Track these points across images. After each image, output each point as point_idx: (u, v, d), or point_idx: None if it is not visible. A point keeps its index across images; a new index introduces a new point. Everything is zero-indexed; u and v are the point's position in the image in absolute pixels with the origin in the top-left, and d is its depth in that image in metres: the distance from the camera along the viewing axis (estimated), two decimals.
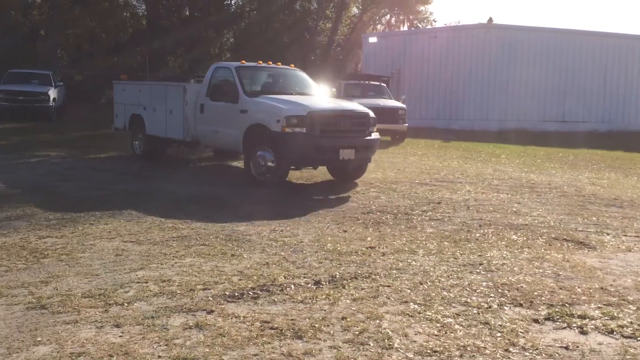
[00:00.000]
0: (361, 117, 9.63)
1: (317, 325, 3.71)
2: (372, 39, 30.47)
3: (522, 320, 3.93)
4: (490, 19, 25.87)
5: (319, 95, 10.71)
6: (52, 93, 21.01)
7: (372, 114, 9.78)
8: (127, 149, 13.06)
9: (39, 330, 3.53)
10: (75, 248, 5.39)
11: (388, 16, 47.38)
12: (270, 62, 11.33)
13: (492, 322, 3.86)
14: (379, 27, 48.16)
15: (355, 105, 10.33)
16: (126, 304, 3.99)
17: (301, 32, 36.56)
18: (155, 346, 3.36)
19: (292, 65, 11.83)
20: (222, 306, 4.01)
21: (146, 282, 4.46)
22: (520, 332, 3.74)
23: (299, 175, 10.56)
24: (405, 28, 44.42)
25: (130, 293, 4.22)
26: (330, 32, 36.06)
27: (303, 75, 11.34)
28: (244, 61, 11.01)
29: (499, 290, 4.51)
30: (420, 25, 44.19)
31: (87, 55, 34.91)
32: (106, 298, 4.09)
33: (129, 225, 6.34)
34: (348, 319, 3.82)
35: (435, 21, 46.80)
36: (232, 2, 39.29)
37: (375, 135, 9.77)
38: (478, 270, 5.03)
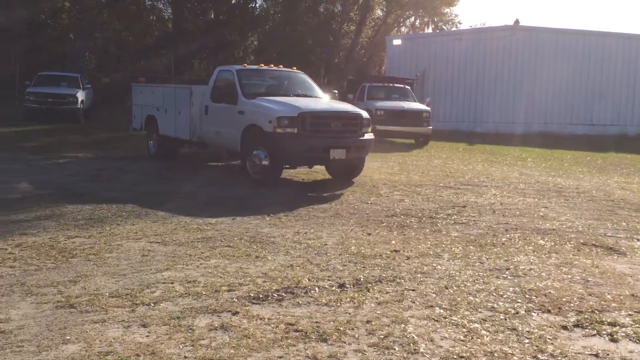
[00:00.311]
0: (353, 118, 9.81)
1: (341, 329, 3.69)
2: (396, 42, 30.34)
3: (550, 327, 3.86)
4: (517, 21, 25.58)
5: (316, 97, 10.89)
6: (80, 95, 21.38)
7: (365, 115, 9.94)
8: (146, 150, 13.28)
9: (68, 329, 3.58)
10: (103, 248, 5.46)
11: (412, 18, 47.12)
12: (272, 65, 11.65)
13: (520, 328, 3.80)
14: (403, 29, 47.95)
15: (347, 107, 10.54)
16: (152, 304, 4.03)
17: (325, 35, 36.60)
18: (181, 346, 3.38)
19: (294, 68, 12.13)
20: (247, 308, 4.02)
21: (172, 283, 4.49)
22: (549, 338, 3.68)
23: (317, 175, 10.56)
24: (430, 30, 44.15)
25: (156, 293, 4.26)
26: (354, 35, 36.04)
27: (304, 77, 11.58)
28: (246, 64, 11.43)
29: (527, 296, 4.44)
30: (445, 28, 43.87)
31: (115, 58, 35.49)
32: (133, 298, 4.14)
33: (154, 226, 6.41)
34: (373, 323, 3.80)
35: (460, 23, 46.43)
36: (257, 5, 39.57)
37: (368, 136, 9.94)
38: (505, 275, 4.96)
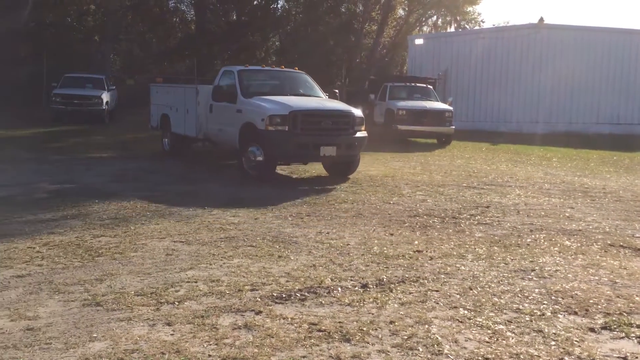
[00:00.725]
0: (343, 117, 10.11)
1: (365, 329, 3.68)
2: (418, 41, 30.15)
3: (577, 329, 3.80)
4: (542, 19, 25.19)
5: (315, 96, 11.22)
6: (105, 97, 21.70)
7: (357, 113, 10.22)
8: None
9: (94, 327, 3.64)
10: (128, 247, 5.53)
11: (434, 17, 46.81)
12: (274, 65, 12.29)
13: (546, 330, 3.75)
14: (425, 28, 47.63)
15: (339, 105, 10.69)
16: (177, 303, 4.07)
17: (346, 35, 36.54)
18: (205, 345, 3.41)
19: (296, 68, 12.68)
20: (270, 307, 4.04)
21: (196, 282, 4.53)
22: (576, 341, 3.62)
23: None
24: (452, 29, 43.78)
25: (180, 292, 4.30)
26: (376, 34, 35.88)
27: (304, 77, 11.94)
28: (248, 64, 12.00)
29: (553, 298, 4.37)
30: (467, 26, 43.47)
31: (138, 60, 35.94)
32: (158, 297, 4.18)
33: (178, 226, 6.47)
34: (396, 323, 3.78)
35: (483, 22, 46.00)
36: (279, 6, 39.68)
37: (360, 134, 10.18)
38: (530, 277, 4.90)
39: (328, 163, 10.57)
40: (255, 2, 37.59)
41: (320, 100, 10.95)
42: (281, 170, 11.11)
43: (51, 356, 3.24)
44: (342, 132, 9.99)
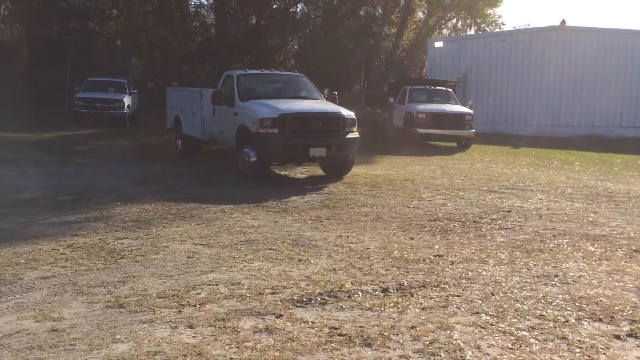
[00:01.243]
0: (333, 118, 10.35)
1: (386, 334, 3.67)
2: (438, 44, 29.97)
3: (602, 336, 3.74)
4: (564, 21, 24.92)
5: (311, 98, 11.53)
6: (127, 100, 21.97)
7: (347, 114, 10.38)
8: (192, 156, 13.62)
9: (118, 329, 3.68)
10: (150, 250, 5.59)
11: (454, 20, 46.52)
12: (273, 69, 12.76)
13: (570, 337, 3.69)
14: (444, 31, 47.33)
15: (329, 107, 10.88)
16: (198, 306, 4.09)
17: (365, 38, 36.47)
18: (227, 348, 3.42)
19: (296, 71, 13.12)
20: (291, 311, 4.04)
21: (217, 285, 4.56)
22: (601, 348, 3.56)
23: (354, 180, 10.53)
24: (472, 32, 43.45)
25: (202, 295, 4.32)
26: (395, 37, 35.72)
27: (303, 80, 12.27)
28: (247, 69, 12.58)
29: (577, 304, 4.31)
30: (488, 29, 43.12)
31: (159, 64, 36.29)
32: (179, 299, 4.21)
33: (199, 229, 6.52)
34: (418, 328, 3.76)
35: (503, 24, 45.49)
36: (298, 9, 39.79)
37: (352, 135, 10.42)
38: (553, 282, 4.83)
39: (326, 163, 10.91)
40: (274, 6, 37.75)
41: (313, 103, 11.17)
42: (293, 172, 11.12)
43: (75, 357, 3.28)
44: (333, 133, 10.23)
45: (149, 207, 7.67)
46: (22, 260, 5.11)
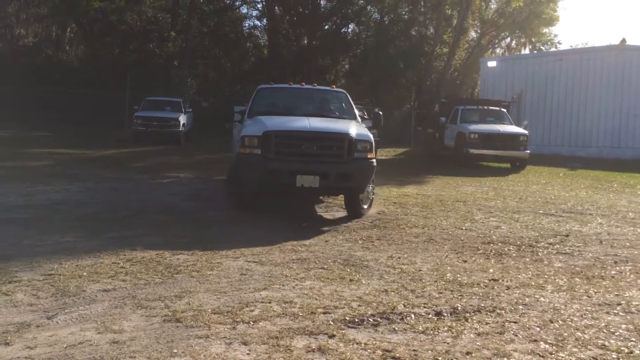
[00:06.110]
0: (334, 140, 8.29)
1: (440, 358, 3.61)
2: (491, 63, 29.61)
3: None
4: (624, 40, 24.16)
5: (330, 117, 9.59)
6: (182, 119, 22.68)
7: (358, 135, 8.33)
8: None
9: (175, 343, 3.76)
10: (205, 265, 5.70)
11: (508, 39, 45.87)
12: (304, 83, 11.25)
13: None
14: (497, 50, 46.76)
15: (333, 126, 8.76)
16: (252, 323, 4.14)
17: (417, 58, 36.41)
18: None
19: (315, 84, 11.24)
20: (343, 331, 4.03)
21: (269, 302, 4.60)
22: None
23: (404, 200, 10.43)
24: (527, 51, 42.67)
25: (255, 312, 4.38)
26: (447, 57, 35.52)
27: (338, 95, 10.49)
28: (273, 82, 11.18)
29: None
30: (543, 48, 42.24)
31: (213, 84, 37.31)
32: (233, 315, 4.28)
33: (251, 246, 6.61)
34: (473, 354, 3.68)
35: (560, 43, 44.51)
36: (349, 30, 40.20)
37: (363, 163, 8.29)
38: (616, 311, 4.64)
39: (309, 194, 9.07)
40: (326, 27, 38.30)
41: (321, 121, 9.02)
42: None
43: None
44: (332, 158, 8.25)
45: (203, 223, 7.85)
46: (84, 273, 5.31)
